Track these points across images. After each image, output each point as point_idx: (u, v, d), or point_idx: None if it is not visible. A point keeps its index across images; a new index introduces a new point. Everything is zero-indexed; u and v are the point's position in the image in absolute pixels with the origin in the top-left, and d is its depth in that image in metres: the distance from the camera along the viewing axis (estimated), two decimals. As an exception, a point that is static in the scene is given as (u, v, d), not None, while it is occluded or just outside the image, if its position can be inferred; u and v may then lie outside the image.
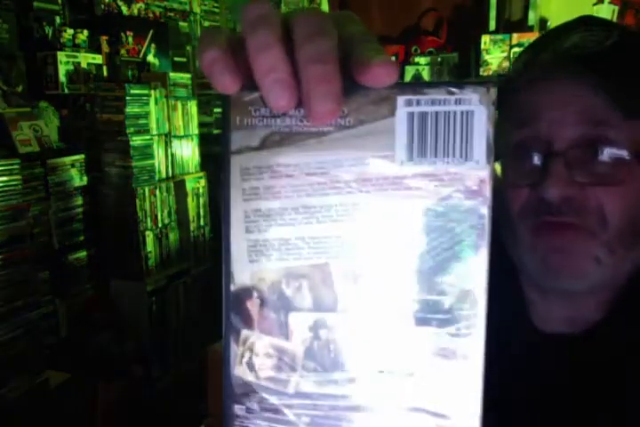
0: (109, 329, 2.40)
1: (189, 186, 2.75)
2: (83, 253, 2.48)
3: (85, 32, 2.51)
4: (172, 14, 3.13)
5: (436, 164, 0.25)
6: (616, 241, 0.48)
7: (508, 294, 0.56)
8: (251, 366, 0.28)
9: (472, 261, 0.25)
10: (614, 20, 2.47)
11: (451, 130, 0.24)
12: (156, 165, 2.58)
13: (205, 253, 2.92)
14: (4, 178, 1.67)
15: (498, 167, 0.55)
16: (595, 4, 2.50)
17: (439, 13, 2.97)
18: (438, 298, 0.25)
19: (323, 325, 0.27)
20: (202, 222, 2.87)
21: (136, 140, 2.44)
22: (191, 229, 2.79)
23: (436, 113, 0.25)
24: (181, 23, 3.19)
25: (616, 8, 2.46)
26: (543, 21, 2.61)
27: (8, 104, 2.22)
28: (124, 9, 2.75)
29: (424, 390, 0.25)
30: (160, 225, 2.62)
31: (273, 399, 0.28)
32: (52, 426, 1.84)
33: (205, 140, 3.06)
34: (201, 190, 2.84)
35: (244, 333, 0.28)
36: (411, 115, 0.25)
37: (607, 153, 0.47)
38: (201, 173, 2.85)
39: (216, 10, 3.58)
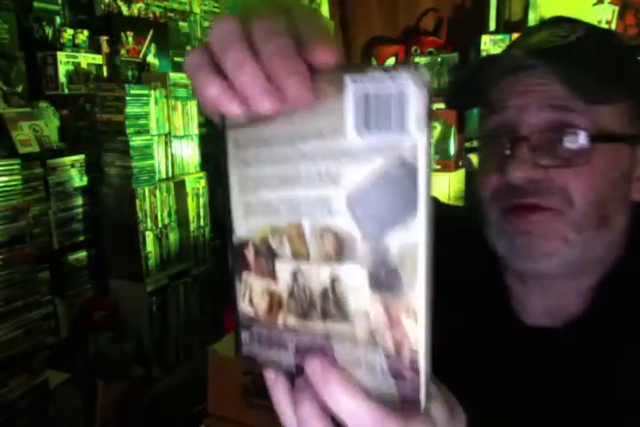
0: (109, 329, 2.40)
1: (189, 186, 2.75)
2: (83, 253, 2.48)
3: (85, 32, 2.51)
4: (172, 14, 3.13)
5: (378, 135, 0.28)
6: (583, 221, 0.50)
7: (492, 290, 0.58)
8: (251, 303, 0.34)
9: (411, 223, 0.28)
10: (614, 19, 2.47)
11: (389, 106, 0.28)
12: (156, 165, 2.58)
13: (205, 253, 2.92)
14: (4, 178, 1.67)
15: (474, 157, 0.57)
16: (595, 4, 2.50)
17: (439, 13, 2.97)
18: (385, 255, 0.29)
19: (299, 272, 0.32)
20: (202, 222, 2.87)
21: (136, 141, 2.44)
22: (191, 229, 2.79)
23: (377, 92, 0.28)
24: (181, 23, 3.19)
25: (616, 8, 2.46)
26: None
27: (8, 104, 2.22)
28: (124, 9, 2.75)
29: (377, 328, 0.30)
30: (160, 225, 2.62)
31: (267, 330, 0.34)
32: (51, 426, 1.84)
33: (205, 141, 3.06)
34: (201, 190, 2.84)
35: (245, 274, 0.35)
36: (356, 93, 0.29)
37: (570, 137, 0.49)
38: (201, 173, 2.85)
39: (216, 10, 3.58)
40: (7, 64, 2.25)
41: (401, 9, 3.08)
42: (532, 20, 2.60)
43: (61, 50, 2.40)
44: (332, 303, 0.31)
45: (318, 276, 0.32)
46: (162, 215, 2.63)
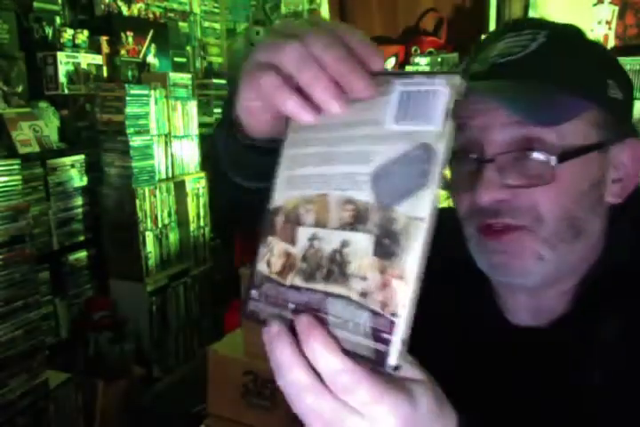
0: (109, 329, 2.40)
1: (189, 186, 2.76)
2: (83, 254, 2.48)
3: (85, 32, 2.51)
4: (172, 15, 3.13)
5: (411, 123, 0.34)
6: (555, 237, 0.51)
7: (479, 290, 0.59)
8: (268, 264, 0.39)
9: (420, 195, 0.33)
10: (614, 20, 2.47)
11: (424, 103, 0.34)
12: (156, 165, 2.58)
13: (205, 253, 2.92)
14: (4, 178, 1.67)
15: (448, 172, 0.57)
16: (595, 5, 2.50)
17: (439, 14, 2.97)
18: (392, 224, 0.34)
19: (316, 237, 0.37)
20: (202, 223, 2.87)
21: (136, 141, 2.44)
22: (191, 229, 2.79)
23: (416, 90, 0.35)
24: (181, 23, 3.20)
25: (616, 8, 2.45)
26: (543, 22, 2.61)
27: (8, 104, 2.22)
28: (124, 9, 2.75)
29: (369, 291, 0.34)
30: (160, 225, 2.62)
31: (275, 289, 0.38)
32: (51, 426, 1.84)
33: (205, 141, 3.06)
34: (201, 191, 2.84)
35: (269, 238, 0.39)
36: (401, 91, 0.35)
37: (535, 154, 0.49)
38: (201, 174, 2.86)
39: (216, 10, 3.58)
40: (7, 64, 2.25)
41: (401, 9, 3.08)
42: (532, 20, 2.60)
43: (61, 50, 2.40)
44: (336, 265, 0.35)
45: (331, 241, 0.36)
46: (162, 215, 2.63)
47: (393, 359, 0.33)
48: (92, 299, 2.49)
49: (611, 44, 2.49)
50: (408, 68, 2.91)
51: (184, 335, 2.81)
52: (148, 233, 2.54)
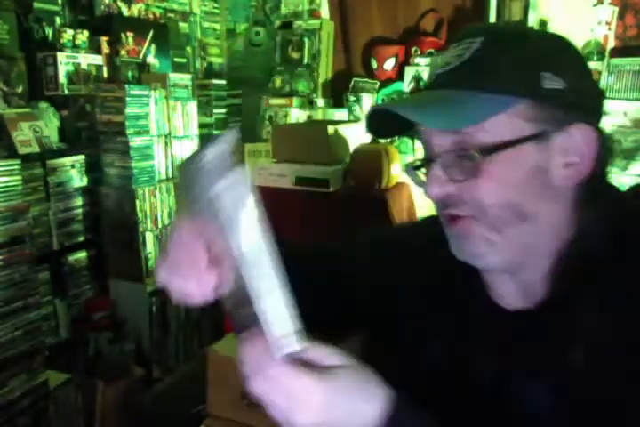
0: (109, 329, 2.40)
1: (189, 186, 2.75)
2: (83, 254, 2.48)
3: (85, 33, 2.51)
4: (172, 15, 3.13)
5: (218, 183, 0.48)
6: (499, 222, 0.57)
7: (470, 278, 0.65)
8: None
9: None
10: (614, 20, 2.47)
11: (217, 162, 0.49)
12: (156, 165, 2.58)
13: (205, 253, 2.91)
14: (4, 178, 1.67)
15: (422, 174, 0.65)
16: (595, 5, 2.50)
17: (439, 14, 2.97)
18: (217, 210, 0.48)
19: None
20: (202, 223, 2.86)
21: (136, 141, 2.44)
22: (191, 229, 2.78)
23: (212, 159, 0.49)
24: (181, 24, 3.19)
25: (616, 9, 2.45)
26: (543, 22, 2.60)
27: (8, 105, 2.22)
28: (124, 10, 2.75)
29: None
30: (160, 226, 2.62)
31: (240, 314, 0.56)
32: (51, 426, 1.84)
33: (205, 141, 3.06)
34: (201, 191, 2.84)
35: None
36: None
37: (470, 153, 0.55)
38: (201, 174, 2.85)
39: (216, 11, 3.58)
40: (7, 65, 2.25)
41: (401, 9, 3.08)
42: (532, 20, 2.60)
43: (61, 50, 2.40)
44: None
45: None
46: (162, 216, 2.63)
47: (275, 347, 0.48)
48: (92, 299, 2.49)
49: (610, 44, 2.49)
50: (408, 69, 2.91)
51: (184, 335, 2.81)
52: (147, 233, 2.54)
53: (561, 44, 0.59)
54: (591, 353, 0.54)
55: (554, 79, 0.55)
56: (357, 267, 0.77)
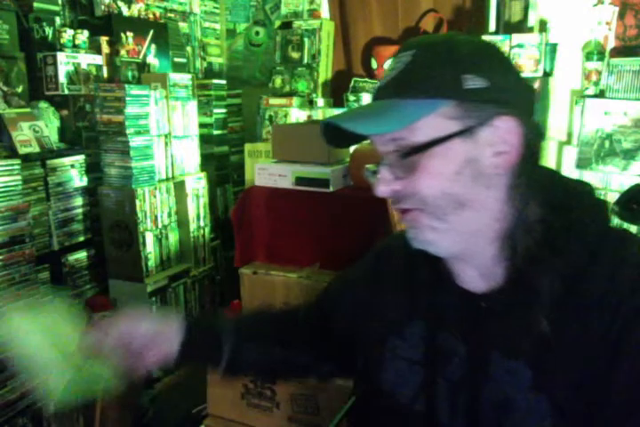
0: (109, 329, 2.39)
1: (189, 186, 2.76)
2: (83, 254, 2.48)
3: (85, 33, 2.51)
4: (172, 15, 3.13)
5: None
6: (440, 211, 0.64)
7: (437, 265, 0.72)
8: None
9: None
10: (614, 20, 2.47)
11: None
12: (156, 165, 2.58)
13: (205, 253, 2.92)
14: (5, 178, 1.67)
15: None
16: (595, 5, 2.50)
17: (439, 14, 2.97)
18: None
19: None
20: (202, 223, 2.87)
21: (136, 141, 2.44)
22: (191, 229, 2.79)
23: None
24: (181, 24, 3.19)
25: (616, 9, 2.45)
26: (543, 22, 2.60)
27: (8, 105, 2.22)
28: (125, 10, 2.75)
29: None
30: (160, 226, 2.62)
31: None
32: (51, 426, 1.84)
33: (205, 141, 3.06)
34: (201, 191, 2.84)
35: None
36: None
37: (406, 152, 0.63)
38: (201, 174, 2.86)
39: (216, 10, 3.58)
40: (7, 65, 2.25)
41: (401, 10, 3.08)
42: (532, 21, 2.60)
43: (61, 50, 2.41)
44: None
45: None
46: (162, 215, 2.63)
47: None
48: (93, 299, 2.49)
49: (610, 44, 2.49)
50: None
51: (184, 336, 2.81)
52: (147, 233, 2.54)
53: (484, 48, 0.66)
54: (555, 324, 0.60)
55: (475, 80, 0.61)
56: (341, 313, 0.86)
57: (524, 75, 2.56)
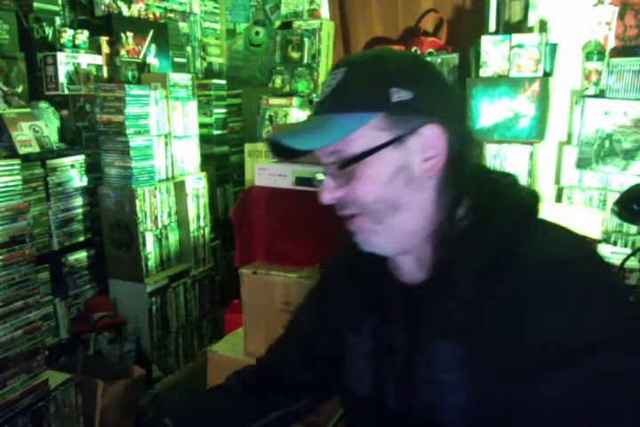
0: (109, 329, 2.40)
1: (189, 186, 2.76)
2: (83, 254, 2.49)
3: (85, 33, 2.51)
4: (172, 15, 3.13)
5: None
6: (378, 216, 0.70)
7: (381, 262, 0.78)
8: None
9: None
10: (614, 20, 2.47)
11: None
12: (156, 165, 2.58)
13: (205, 253, 2.92)
14: (5, 178, 1.67)
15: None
16: (595, 5, 2.50)
17: (439, 14, 2.97)
18: None
19: None
20: (202, 223, 2.87)
21: (136, 141, 2.44)
22: (191, 229, 2.79)
23: None
24: (181, 24, 3.20)
25: (616, 9, 2.45)
26: (543, 22, 2.60)
27: (8, 105, 2.22)
28: (125, 10, 2.75)
29: None
30: (160, 226, 2.62)
31: None
32: (51, 426, 1.84)
33: (205, 141, 3.06)
34: (201, 191, 2.84)
35: None
36: None
37: (344, 162, 0.68)
38: (201, 174, 2.86)
39: (216, 10, 3.58)
40: (7, 65, 2.25)
41: (401, 10, 3.08)
42: (532, 21, 2.60)
43: (61, 50, 2.41)
44: None
45: None
46: (162, 215, 2.63)
47: None
48: (92, 299, 2.49)
49: (610, 44, 2.49)
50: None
51: (184, 335, 2.81)
52: (147, 233, 2.54)
53: (411, 62, 0.71)
54: (473, 310, 0.65)
55: (401, 93, 0.67)
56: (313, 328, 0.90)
57: (523, 74, 2.57)
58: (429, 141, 0.68)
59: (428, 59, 2.89)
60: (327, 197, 0.71)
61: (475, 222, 0.69)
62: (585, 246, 0.67)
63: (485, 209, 0.69)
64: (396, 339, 0.74)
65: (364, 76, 0.69)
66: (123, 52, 2.65)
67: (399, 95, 0.67)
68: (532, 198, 0.71)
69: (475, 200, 0.70)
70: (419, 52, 2.94)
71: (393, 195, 0.69)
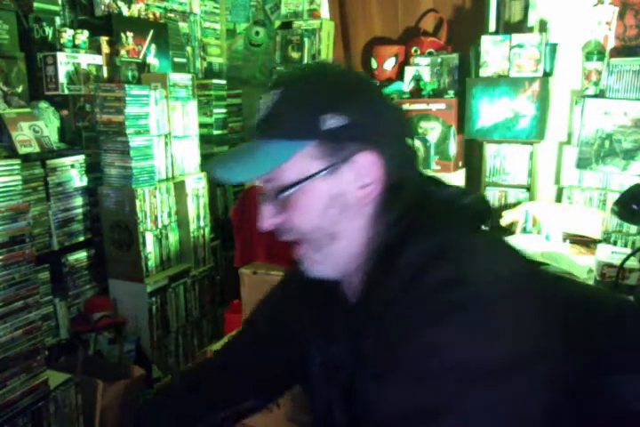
0: (109, 329, 2.40)
1: (189, 186, 2.76)
2: (83, 254, 2.48)
3: (85, 33, 2.51)
4: (172, 15, 3.13)
5: None
6: (316, 244, 0.70)
7: (334, 285, 0.77)
8: None
9: None
10: (614, 20, 2.47)
11: None
12: (156, 165, 2.58)
13: (205, 253, 2.92)
14: (4, 178, 1.67)
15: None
16: (595, 5, 2.50)
17: (439, 14, 2.97)
18: None
19: None
20: (202, 223, 2.87)
21: (136, 141, 2.44)
22: (191, 229, 2.79)
23: None
24: (181, 24, 3.20)
25: (616, 9, 2.46)
26: (543, 22, 2.61)
27: (8, 105, 2.22)
28: (124, 10, 2.75)
29: None
30: (160, 226, 2.62)
31: None
32: (51, 426, 1.84)
33: (205, 141, 3.06)
34: (201, 191, 2.84)
35: None
36: None
37: (279, 191, 0.67)
38: (201, 174, 2.86)
39: (216, 10, 3.58)
40: (7, 64, 2.25)
41: (401, 10, 3.08)
42: (532, 21, 2.60)
43: (61, 50, 2.41)
44: None
45: None
46: (162, 215, 2.63)
47: None
48: (92, 299, 2.49)
49: (610, 44, 2.50)
50: (408, 69, 2.91)
51: (184, 335, 2.81)
52: (147, 233, 2.54)
53: (348, 85, 0.69)
54: (381, 331, 0.66)
55: (335, 119, 0.65)
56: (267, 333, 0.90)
57: (523, 74, 2.57)
58: (364, 169, 0.67)
59: (428, 59, 2.89)
60: (266, 223, 0.70)
61: (398, 246, 0.67)
62: (501, 271, 0.62)
63: (413, 232, 0.67)
64: (343, 357, 0.73)
65: (297, 100, 0.67)
66: (123, 52, 2.65)
67: (332, 122, 0.65)
68: (467, 216, 0.69)
69: (408, 224, 0.68)
70: (418, 51, 2.94)
71: (329, 223, 0.68)
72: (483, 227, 0.73)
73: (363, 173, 0.67)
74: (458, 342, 0.58)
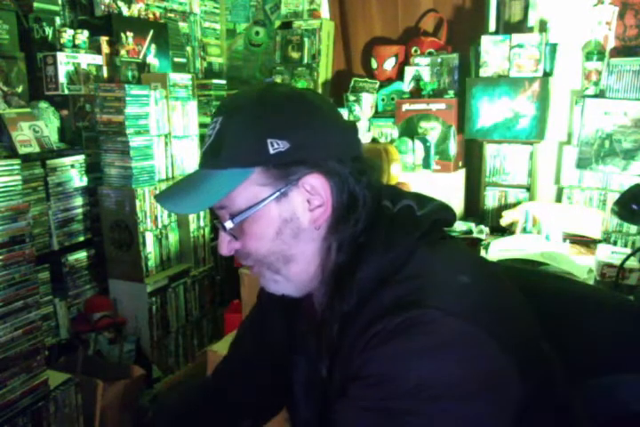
0: (109, 329, 2.40)
1: (189, 186, 2.75)
2: (82, 254, 2.49)
3: (85, 33, 2.51)
4: (172, 15, 3.13)
5: None
6: (273, 267, 0.70)
7: (307, 300, 0.78)
8: None
9: None
10: (614, 20, 2.47)
11: None
12: (156, 165, 2.58)
13: (205, 253, 2.92)
14: (4, 178, 1.67)
15: None
16: (595, 5, 2.50)
17: (439, 14, 2.97)
18: None
19: None
20: (202, 223, 2.87)
21: (136, 141, 2.44)
22: (191, 229, 2.79)
23: None
24: (181, 24, 3.20)
25: (616, 9, 2.45)
26: (543, 22, 2.60)
27: (8, 105, 2.22)
28: (124, 10, 2.75)
29: None
30: (160, 226, 2.62)
31: None
32: (51, 426, 1.84)
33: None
34: (201, 191, 2.84)
35: None
36: None
37: (231, 219, 0.67)
38: (201, 174, 2.85)
39: (216, 10, 3.58)
40: (7, 64, 2.25)
41: (401, 10, 3.08)
42: (532, 21, 2.60)
43: (61, 50, 2.41)
44: None
45: None
46: (162, 216, 2.63)
47: None
48: (92, 299, 2.49)
49: (610, 44, 2.49)
50: (408, 69, 2.91)
51: (184, 335, 2.81)
52: (147, 233, 2.54)
53: (290, 106, 0.67)
54: (338, 341, 0.67)
55: (278, 143, 0.64)
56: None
57: (523, 74, 2.57)
58: (313, 191, 0.67)
59: (428, 59, 2.89)
60: (224, 250, 0.71)
61: (353, 265, 0.67)
62: (458, 287, 0.63)
63: (367, 250, 0.67)
64: (317, 374, 0.73)
65: (238, 128, 0.66)
66: (123, 52, 2.65)
67: (275, 146, 0.64)
68: (423, 228, 0.68)
69: (362, 242, 0.68)
70: (418, 51, 2.94)
71: (283, 247, 0.69)
72: (447, 233, 0.73)
73: (311, 196, 0.67)
74: (414, 363, 0.57)
